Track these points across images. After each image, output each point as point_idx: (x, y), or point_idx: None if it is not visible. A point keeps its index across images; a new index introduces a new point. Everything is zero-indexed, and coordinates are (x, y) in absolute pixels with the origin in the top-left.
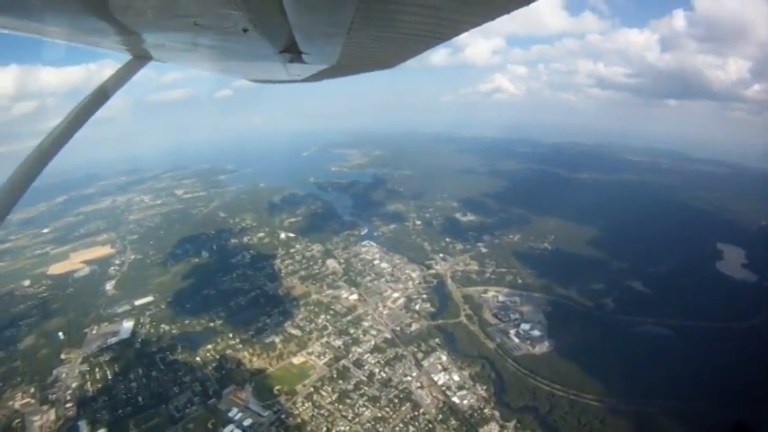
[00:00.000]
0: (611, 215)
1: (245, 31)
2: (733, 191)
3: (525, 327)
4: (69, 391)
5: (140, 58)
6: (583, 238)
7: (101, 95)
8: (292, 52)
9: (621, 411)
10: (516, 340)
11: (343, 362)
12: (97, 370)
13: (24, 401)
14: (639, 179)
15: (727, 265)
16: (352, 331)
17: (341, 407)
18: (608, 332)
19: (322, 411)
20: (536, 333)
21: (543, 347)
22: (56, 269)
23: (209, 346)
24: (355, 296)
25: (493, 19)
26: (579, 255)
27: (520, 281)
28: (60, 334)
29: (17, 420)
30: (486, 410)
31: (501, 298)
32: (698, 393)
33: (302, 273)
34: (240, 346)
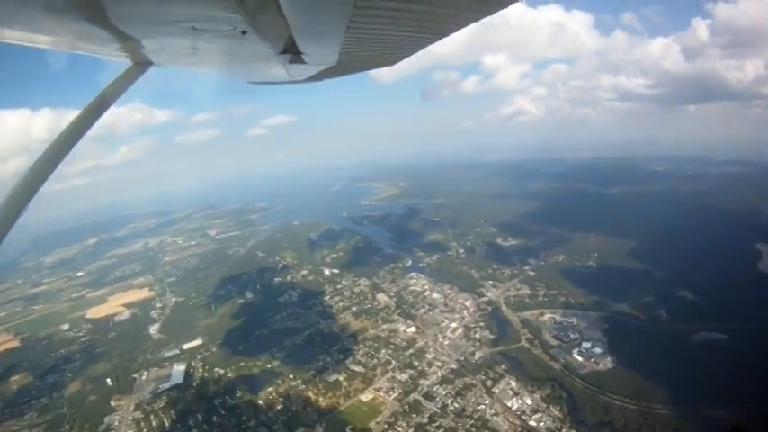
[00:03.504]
0: (646, 227)
1: (243, 33)
2: (760, 189)
3: (586, 345)
4: None
5: (140, 63)
6: (623, 251)
7: (102, 103)
8: (292, 53)
9: (692, 417)
10: (580, 359)
11: (413, 395)
12: (152, 417)
13: None
14: (667, 188)
15: None
16: (416, 364)
17: None
18: (667, 342)
19: None
20: (597, 350)
21: (607, 363)
22: (95, 313)
23: (270, 388)
24: (413, 329)
25: (490, 14)
26: (623, 268)
27: (573, 300)
28: (108, 380)
29: None
30: (563, 430)
31: (558, 319)
32: (762, 393)
33: (354, 308)
34: (303, 386)
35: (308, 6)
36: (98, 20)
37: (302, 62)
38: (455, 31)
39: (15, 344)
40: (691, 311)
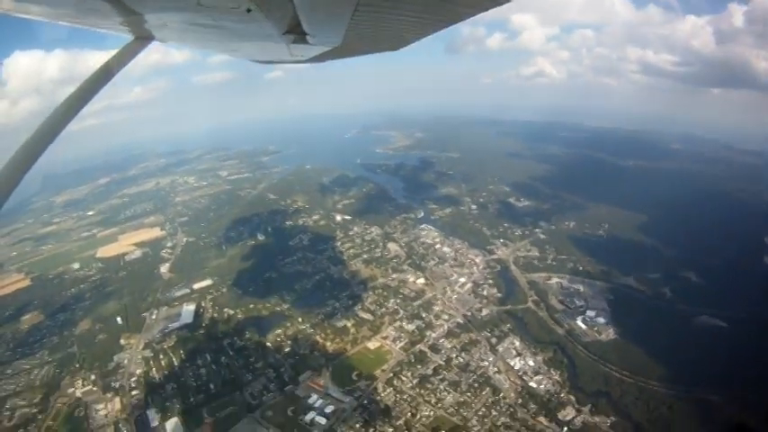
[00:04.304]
0: (658, 203)
1: (248, 11)
2: None
3: (591, 314)
4: (134, 379)
5: (142, 38)
6: (634, 224)
7: (103, 76)
8: (296, 33)
9: (686, 399)
10: (583, 327)
11: (419, 346)
12: (162, 356)
13: (86, 389)
14: (683, 167)
15: None
16: (423, 315)
17: (422, 392)
18: (668, 321)
19: (404, 396)
20: (601, 320)
21: (609, 334)
22: (105, 252)
23: (279, 331)
24: (422, 280)
25: (498, 4)
26: (633, 242)
27: (580, 268)
28: (118, 319)
29: (79, 409)
30: (562, 395)
31: (565, 284)
32: (759, 384)
33: (365, 256)
34: (311, 330)
35: None
36: None
37: (306, 42)
38: (461, 19)
39: (26, 283)
40: (694, 294)
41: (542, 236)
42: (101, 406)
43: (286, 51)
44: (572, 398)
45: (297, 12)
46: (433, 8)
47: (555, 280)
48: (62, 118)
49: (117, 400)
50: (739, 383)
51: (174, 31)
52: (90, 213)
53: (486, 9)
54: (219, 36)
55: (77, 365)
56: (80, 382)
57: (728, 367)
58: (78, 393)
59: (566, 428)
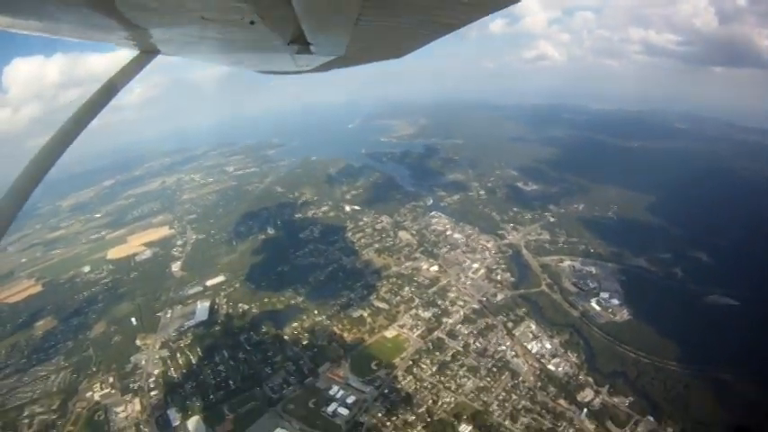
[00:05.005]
0: (665, 183)
1: (252, 23)
2: None
3: (604, 295)
4: (152, 379)
5: (148, 52)
6: (642, 205)
7: (109, 90)
8: (300, 43)
9: (701, 377)
10: (598, 308)
11: (436, 333)
12: (179, 355)
13: (104, 392)
14: (688, 147)
15: None
16: (439, 302)
17: (442, 378)
18: (681, 301)
19: (425, 384)
20: (615, 301)
21: (623, 315)
22: (115, 253)
23: (295, 324)
24: (435, 267)
25: (499, 8)
26: (642, 223)
27: (592, 250)
28: (132, 319)
29: (99, 413)
30: (580, 377)
31: (577, 267)
32: None
33: (376, 245)
34: (328, 321)
35: None
36: (107, 9)
37: (309, 53)
38: (463, 25)
39: (38, 289)
40: (705, 273)
41: (552, 219)
42: (120, 408)
43: (290, 62)
44: (590, 379)
45: (300, 22)
46: (435, 15)
47: (567, 263)
48: (69, 134)
49: (136, 401)
50: (752, 362)
51: (179, 44)
52: (97, 216)
53: (488, 13)
54: (224, 48)
55: (94, 369)
56: (98, 385)
57: (741, 346)
58: (97, 397)
59: (585, 410)
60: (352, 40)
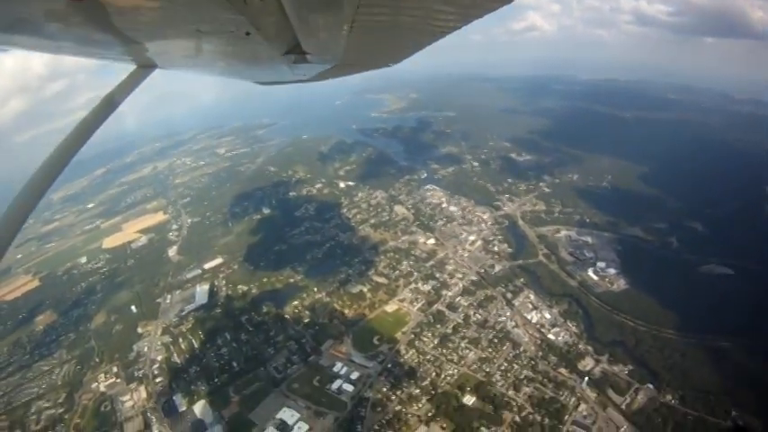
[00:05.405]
0: (659, 153)
1: (247, 34)
2: None
3: (601, 265)
4: (156, 366)
5: (145, 66)
6: (636, 175)
7: (108, 106)
8: (296, 53)
9: (699, 345)
10: (595, 278)
11: (436, 306)
12: (181, 340)
13: (109, 382)
14: (681, 118)
15: None
16: (438, 275)
17: (444, 351)
18: (677, 270)
19: (427, 357)
20: (612, 271)
21: (620, 285)
22: (111, 242)
23: (296, 302)
24: (432, 240)
25: (491, 11)
26: (636, 192)
27: (587, 220)
28: (133, 307)
29: (105, 403)
30: (580, 346)
31: (573, 237)
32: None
33: (372, 221)
34: (328, 299)
35: (310, 7)
36: (103, 25)
37: (306, 62)
38: (457, 28)
39: (35, 284)
40: (700, 243)
41: (547, 189)
42: (126, 397)
43: (288, 72)
44: (590, 348)
45: (295, 32)
46: (429, 20)
47: (563, 233)
48: (70, 149)
49: (142, 389)
50: (747, 330)
51: (176, 57)
52: (90, 206)
53: (482, 15)
54: (221, 60)
55: (97, 360)
56: (102, 376)
57: (736, 314)
58: (102, 388)
59: (587, 378)
60: (347, 48)
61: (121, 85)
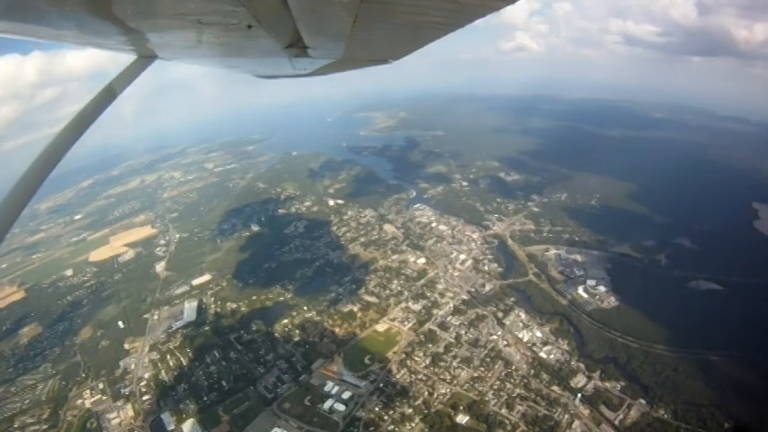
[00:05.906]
0: (646, 171)
1: (249, 27)
2: (760, 148)
3: (591, 282)
4: (143, 383)
5: (146, 56)
6: (624, 193)
7: (107, 96)
8: (298, 47)
9: (689, 360)
10: (585, 296)
11: (427, 325)
12: (169, 357)
13: (95, 399)
14: (668, 136)
15: (764, 224)
16: (428, 295)
17: (436, 370)
18: (666, 287)
19: (419, 376)
20: (602, 288)
21: (611, 302)
22: (97, 255)
23: (285, 321)
24: (423, 260)
25: (497, 9)
26: (625, 211)
27: (576, 238)
28: (120, 323)
29: (91, 420)
30: (572, 363)
31: (563, 255)
32: (755, 344)
33: (362, 239)
34: (318, 317)
35: (314, 1)
36: (104, 14)
37: (307, 56)
38: (461, 26)
39: (20, 295)
40: (689, 259)
41: (536, 209)
42: (113, 415)
43: (288, 65)
44: (581, 365)
45: (297, 26)
46: (432, 17)
47: (553, 251)
48: (68, 139)
49: (129, 406)
50: (736, 343)
51: (177, 48)
52: (77, 217)
53: (486, 14)
54: (222, 53)
55: (83, 375)
56: (88, 392)
57: (725, 328)
58: (88, 404)
59: (579, 395)
60: (349, 42)
61: (121, 76)
